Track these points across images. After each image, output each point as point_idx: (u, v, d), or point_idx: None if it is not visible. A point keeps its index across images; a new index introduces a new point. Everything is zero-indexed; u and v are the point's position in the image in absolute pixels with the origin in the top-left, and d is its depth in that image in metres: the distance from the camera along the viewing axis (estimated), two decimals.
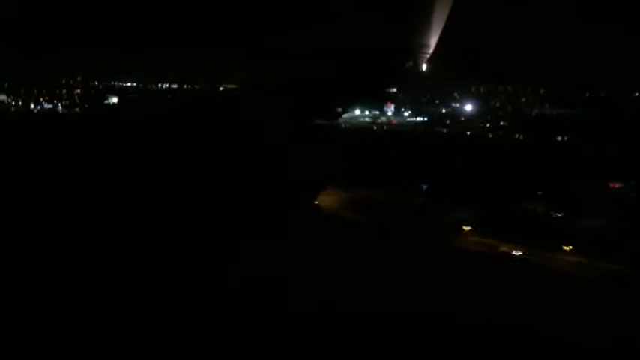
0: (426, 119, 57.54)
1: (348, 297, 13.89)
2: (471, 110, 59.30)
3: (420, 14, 70.45)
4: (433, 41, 72.73)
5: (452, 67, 61.24)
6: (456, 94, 63.00)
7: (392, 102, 57.17)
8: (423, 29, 71.75)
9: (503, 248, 19.01)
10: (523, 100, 57.96)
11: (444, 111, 60.80)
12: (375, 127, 50.73)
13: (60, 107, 65.54)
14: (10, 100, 64.21)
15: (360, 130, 49.46)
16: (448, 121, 55.54)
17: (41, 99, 66.78)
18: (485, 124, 51.34)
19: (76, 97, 69.73)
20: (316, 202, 25.83)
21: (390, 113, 58.99)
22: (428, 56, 76.29)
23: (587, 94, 58.67)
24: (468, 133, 44.72)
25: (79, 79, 78.48)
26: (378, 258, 16.52)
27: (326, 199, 26.22)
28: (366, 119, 59.74)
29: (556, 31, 60.61)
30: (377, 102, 60.29)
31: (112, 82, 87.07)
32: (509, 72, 61.09)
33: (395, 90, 64.18)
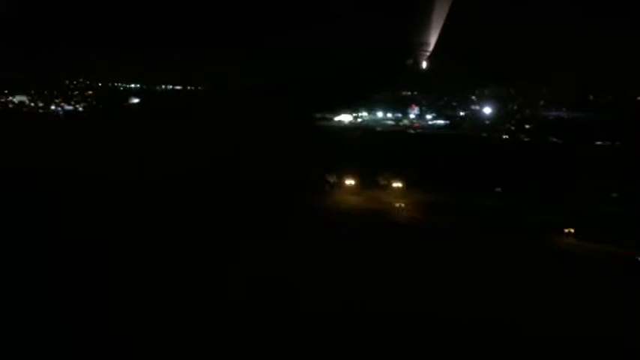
0: (447, 122, 58.53)
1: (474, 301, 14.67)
2: (490, 113, 60.60)
3: (421, 11, 71.77)
4: (433, 39, 74.21)
5: (461, 69, 62.45)
6: (473, 97, 64.46)
7: (416, 104, 58.11)
8: (424, 27, 73.12)
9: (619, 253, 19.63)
10: (542, 103, 59.36)
11: (461, 114, 62.07)
12: (412, 131, 51.40)
13: (80, 109, 64.79)
14: (29, 102, 63.36)
15: (401, 133, 50.11)
16: (470, 125, 56.66)
17: (57, 100, 65.93)
18: (511, 127, 52.69)
19: (91, 99, 68.94)
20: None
21: (412, 116, 59.98)
22: (427, 54, 77.71)
23: (600, 97, 60.37)
24: (505, 136, 45.90)
25: (80, 79, 77.60)
26: (498, 262, 17.30)
27: (407, 203, 27.01)
28: (389, 122, 60.75)
29: (564, 31, 61.93)
30: (400, 104, 61.40)
31: (115, 84, 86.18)
32: (520, 74, 62.41)
33: (412, 92, 65.50)
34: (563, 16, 62.63)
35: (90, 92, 70.38)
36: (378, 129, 53.60)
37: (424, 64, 72.43)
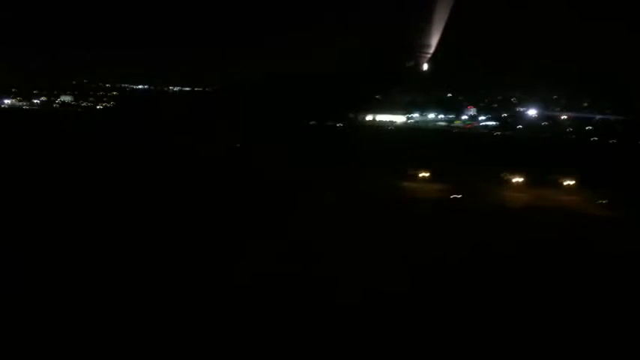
0: (497, 124, 59.47)
1: None
2: (536, 115, 62.02)
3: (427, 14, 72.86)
4: (434, 41, 75.34)
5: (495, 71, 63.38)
6: (513, 99, 66.03)
7: (472, 106, 58.80)
8: (428, 30, 74.28)
9: None
10: (585, 105, 61.18)
11: (504, 115, 63.30)
12: (496, 134, 51.59)
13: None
14: (73, 101, 60.35)
15: (486, 135, 50.14)
16: (520, 126, 57.69)
17: (90, 100, 62.85)
18: (567, 129, 54.22)
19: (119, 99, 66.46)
20: None
21: (465, 117, 60.65)
22: (428, 55, 78.85)
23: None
24: (594, 138, 46.98)
25: (100, 82, 74.64)
26: None
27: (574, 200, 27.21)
28: (440, 123, 61.22)
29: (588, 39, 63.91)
30: (454, 106, 61.95)
31: (123, 85, 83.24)
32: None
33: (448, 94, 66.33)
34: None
35: (114, 93, 68.00)
36: (456, 131, 53.54)
37: (425, 66, 73.83)
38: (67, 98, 60.08)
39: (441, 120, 61.70)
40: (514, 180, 30.15)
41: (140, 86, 77.95)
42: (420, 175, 31.46)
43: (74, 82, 61.55)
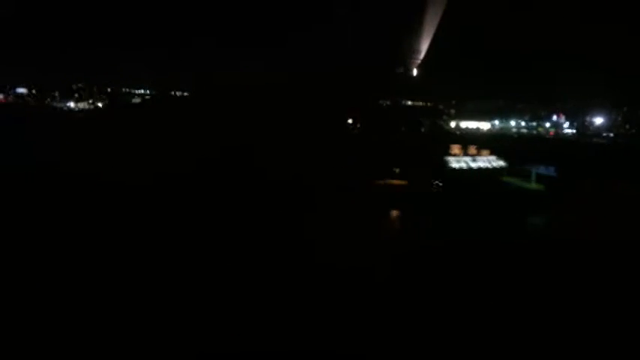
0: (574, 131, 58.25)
1: None
2: (606, 123, 61.40)
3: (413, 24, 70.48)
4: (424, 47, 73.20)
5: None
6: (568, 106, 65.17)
7: (563, 113, 56.78)
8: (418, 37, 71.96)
9: None
10: None
11: (569, 123, 62.20)
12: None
13: None
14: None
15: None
16: (607, 134, 56.61)
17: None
18: None
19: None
20: None
21: (547, 124, 58.57)
22: (418, 62, 76.59)
23: None
24: None
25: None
26: None
27: None
28: (522, 130, 58.58)
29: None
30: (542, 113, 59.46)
31: (124, 89, 73.60)
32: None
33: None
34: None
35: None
36: (588, 141, 50.58)
37: (415, 72, 71.56)
38: (136, 100, 50.83)
39: (523, 127, 59.20)
40: None
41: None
42: None
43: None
